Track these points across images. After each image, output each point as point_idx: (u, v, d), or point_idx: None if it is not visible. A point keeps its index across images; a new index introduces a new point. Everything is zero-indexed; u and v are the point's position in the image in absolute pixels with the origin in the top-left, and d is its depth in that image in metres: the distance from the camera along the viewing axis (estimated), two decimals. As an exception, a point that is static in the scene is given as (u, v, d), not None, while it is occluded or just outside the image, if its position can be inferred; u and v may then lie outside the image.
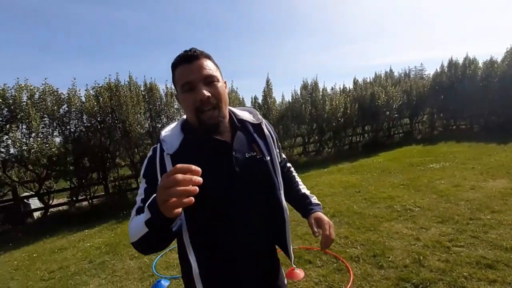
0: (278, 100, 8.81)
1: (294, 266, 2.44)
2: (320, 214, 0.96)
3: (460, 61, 11.15)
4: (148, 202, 0.69)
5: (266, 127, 0.99)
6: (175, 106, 6.71)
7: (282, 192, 0.94)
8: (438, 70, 11.68)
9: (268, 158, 0.92)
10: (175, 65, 0.87)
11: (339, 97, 9.15)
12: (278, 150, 1.01)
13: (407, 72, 19.38)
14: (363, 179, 5.73)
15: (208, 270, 0.82)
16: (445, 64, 11.54)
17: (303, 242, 3.12)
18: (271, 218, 0.92)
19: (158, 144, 0.86)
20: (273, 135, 1.00)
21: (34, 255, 3.92)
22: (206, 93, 0.81)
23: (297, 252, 2.86)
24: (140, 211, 0.78)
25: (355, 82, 10.57)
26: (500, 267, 2.24)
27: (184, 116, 0.94)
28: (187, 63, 0.83)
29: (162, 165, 0.83)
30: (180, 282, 2.63)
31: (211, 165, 0.82)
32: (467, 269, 2.27)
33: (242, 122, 0.95)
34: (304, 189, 1.10)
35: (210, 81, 0.83)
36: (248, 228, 0.87)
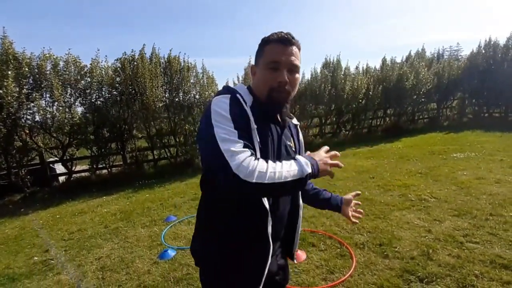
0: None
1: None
2: (345, 196, 1.18)
3: (502, 41, 10.04)
4: (310, 162, 0.81)
5: (301, 131, 1.13)
6: (191, 81, 6.65)
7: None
8: (475, 51, 10.62)
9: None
10: (269, 41, 0.91)
11: (361, 78, 8.65)
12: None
13: (440, 52, 17.84)
14: (378, 165, 5.53)
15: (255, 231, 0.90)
16: (483, 44, 10.44)
17: (308, 224, 3.11)
18: (290, 209, 1.03)
19: (237, 94, 0.88)
20: (303, 141, 1.11)
21: (57, 216, 4.24)
22: (287, 79, 0.89)
23: (302, 235, 2.85)
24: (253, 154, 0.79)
25: (383, 62, 9.89)
26: (516, 268, 2.11)
27: (244, 85, 0.99)
28: (283, 44, 0.89)
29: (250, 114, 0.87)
30: (186, 252, 2.73)
31: (270, 134, 0.92)
32: (479, 267, 2.16)
33: (289, 118, 1.06)
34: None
35: (294, 70, 0.91)
36: (280, 208, 0.97)
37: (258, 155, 0.82)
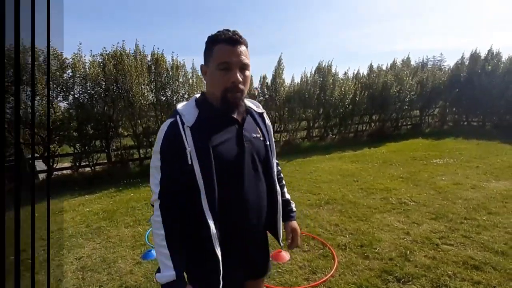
0: (287, 81, 8.58)
1: (282, 247, 2.48)
2: (295, 224, 1.25)
3: (483, 54, 10.56)
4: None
5: (267, 117, 1.16)
6: (180, 80, 6.60)
7: (275, 176, 1.12)
8: (459, 62, 11.12)
9: (268, 143, 1.10)
10: (216, 41, 0.94)
11: (350, 83, 8.86)
12: (273, 141, 1.17)
13: (424, 61, 18.53)
14: (362, 169, 5.68)
15: (221, 232, 0.95)
16: (467, 55, 10.96)
17: (293, 226, 3.16)
18: (267, 197, 1.08)
19: (177, 117, 0.93)
20: (271, 127, 1.16)
21: (36, 214, 4.06)
22: (240, 79, 0.94)
23: (285, 236, 2.89)
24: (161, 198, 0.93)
25: (370, 69, 10.15)
26: (487, 269, 2.24)
27: (197, 95, 1.04)
28: (231, 45, 0.93)
29: (184, 137, 0.91)
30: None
31: (225, 136, 0.97)
32: (452, 268, 2.27)
33: (250, 108, 1.10)
34: (287, 194, 1.26)
35: (244, 68, 0.96)
36: (252, 200, 1.00)
37: (198, 172, 0.90)
